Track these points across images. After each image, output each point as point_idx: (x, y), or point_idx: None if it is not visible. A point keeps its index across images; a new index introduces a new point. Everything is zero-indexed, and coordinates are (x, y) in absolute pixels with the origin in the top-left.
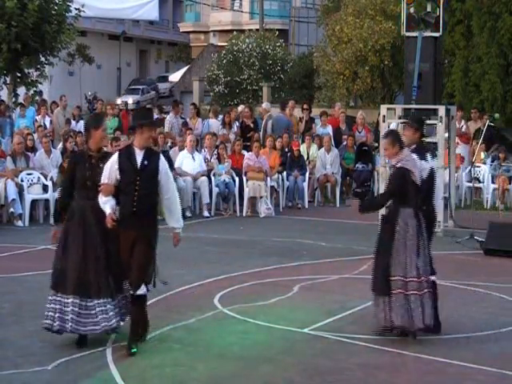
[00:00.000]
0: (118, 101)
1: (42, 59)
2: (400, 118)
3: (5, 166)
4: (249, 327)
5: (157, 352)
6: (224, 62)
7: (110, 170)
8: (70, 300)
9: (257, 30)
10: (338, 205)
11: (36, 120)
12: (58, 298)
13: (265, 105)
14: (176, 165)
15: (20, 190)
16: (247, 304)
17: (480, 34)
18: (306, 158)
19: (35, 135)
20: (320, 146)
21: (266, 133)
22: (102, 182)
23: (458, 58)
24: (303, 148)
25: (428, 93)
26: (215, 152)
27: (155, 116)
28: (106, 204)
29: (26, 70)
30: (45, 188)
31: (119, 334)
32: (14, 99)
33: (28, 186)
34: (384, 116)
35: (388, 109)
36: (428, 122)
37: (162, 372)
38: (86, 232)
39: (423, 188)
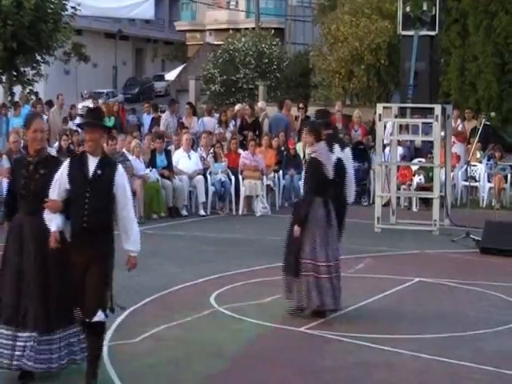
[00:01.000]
0: (79, 105)
1: (38, 58)
2: (396, 116)
3: (1, 164)
4: (245, 326)
5: (153, 351)
6: (220, 60)
7: (60, 180)
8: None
9: (253, 28)
10: None
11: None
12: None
13: (260, 104)
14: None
15: None
16: (243, 303)
17: (476, 33)
18: (302, 156)
19: None
20: None
21: (262, 131)
22: (49, 195)
23: (453, 57)
24: (299, 147)
25: (424, 92)
26: (211, 151)
27: (151, 115)
28: (52, 221)
29: (22, 69)
30: None
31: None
32: (9, 98)
33: None
34: (380, 115)
35: (384, 107)
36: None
37: (158, 371)
38: (22, 252)
39: (333, 179)
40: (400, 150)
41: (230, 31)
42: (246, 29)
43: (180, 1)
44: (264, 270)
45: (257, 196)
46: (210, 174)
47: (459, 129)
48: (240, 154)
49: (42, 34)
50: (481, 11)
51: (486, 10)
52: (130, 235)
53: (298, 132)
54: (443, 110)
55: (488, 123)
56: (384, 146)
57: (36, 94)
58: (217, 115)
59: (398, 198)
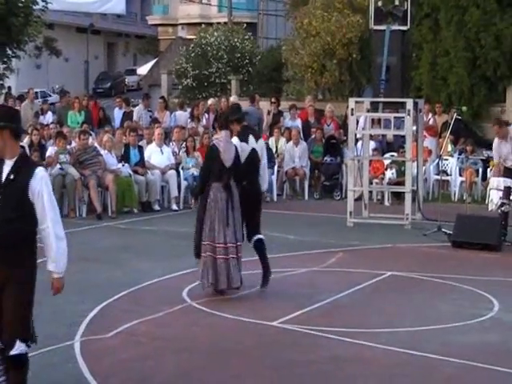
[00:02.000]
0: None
1: (9, 52)
2: (368, 110)
3: None
4: (217, 320)
5: (125, 346)
6: (192, 55)
7: None
8: None
9: (225, 23)
10: (306, 198)
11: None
12: None
13: (233, 98)
14: (145, 158)
15: None
16: (216, 297)
17: (447, 28)
18: (274, 151)
19: None
20: (289, 139)
21: None
22: None
23: (425, 52)
24: (271, 141)
25: (396, 86)
26: (183, 145)
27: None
28: None
29: None
30: None
31: None
32: None
33: None
34: (352, 109)
35: (356, 102)
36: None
37: (131, 366)
38: None
39: (242, 166)
40: (372, 144)
41: (203, 25)
42: (219, 23)
43: None
44: None
45: None
46: (182, 168)
47: (430, 123)
48: None
49: (12, 28)
50: (452, 6)
51: (457, 5)
52: (51, 253)
53: (270, 126)
54: (415, 105)
55: (459, 117)
56: (356, 141)
57: (9, 88)
58: (189, 109)
59: (371, 192)
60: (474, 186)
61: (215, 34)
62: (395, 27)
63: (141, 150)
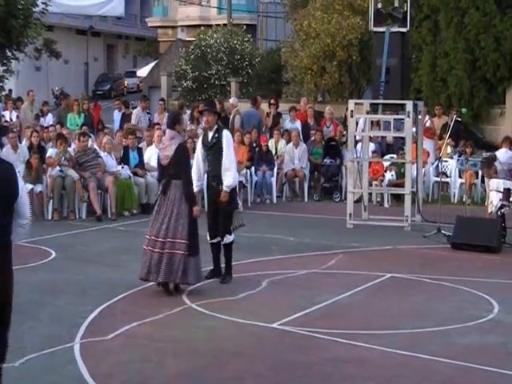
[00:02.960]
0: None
1: (9, 54)
2: (368, 112)
3: None
4: (217, 322)
5: (125, 348)
6: (192, 57)
7: None
8: None
9: (225, 25)
10: (306, 200)
11: (3, 115)
12: None
13: (232, 100)
14: (144, 160)
15: None
16: (215, 299)
17: (447, 30)
18: (274, 153)
19: None
20: (288, 141)
21: (234, 128)
22: None
23: (425, 53)
24: (271, 143)
25: (395, 88)
26: None
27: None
28: None
29: None
30: None
31: None
32: None
33: None
34: (352, 111)
35: (356, 104)
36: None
37: (131, 368)
38: None
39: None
40: (372, 146)
41: (202, 27)
42: (218, 25)
43: None
44: (236, 266)
45: None
46: None
47: (427, 125)
48: None
49: (12, 30)
50: (452, 8)
51: (456, 7)
52: None
53: (270, 128)
54: (414, 106)
55: (459, 119)
56: (356, 142)
57: (10, 91)
58: (188, 111)
59: (370, 194)
60: (474, 187)
61: (215, 35)
62: (395, 29)
63: (140, 152)
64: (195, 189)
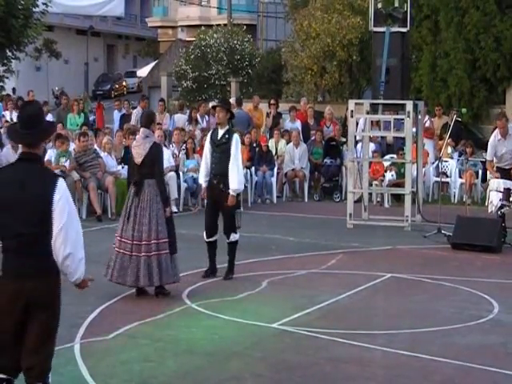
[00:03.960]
0: None
1: (9, 54)
2: (368, 112)
3: None
4: (217, 322)
5: (125, 348)
6: (192, 57)
7: None
8: None
9: (225, 25)
10: (306, 200)
11: (3, 115)
12: None
13: (232, 100)
14: None
15: None
16: (216, 299)
17: (447, 30)
18: (274, 153)
19: (1, 130)
20: (288, 141)
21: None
22: None
23: (425, 53)
24: (271, 143)
25: (395, 88)
26: (183, 147)
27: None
28: None
29: None
30: None
31: None
32: None
33: None
34: (352, 111)
35: (356, 104)
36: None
37: (131, 368)
38: None
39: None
40: (372, 146)
41: (202, 27)
42: (218, 25)
43: None
44: (236, 266)
45: None
46: (185, 170)
47: (426, 125)
48: None
49: (12, 30)
50: (452, 8)
51: (456, 7)
52: None
53: (270, 128)
54: (415, 106)
55: (459, 119)
56: (356, 142)
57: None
58: (188, 111)
59: (370, 194)
60: (474, 187)
61: (215, 35)
62: (395, 29)
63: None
64: (203, 184)
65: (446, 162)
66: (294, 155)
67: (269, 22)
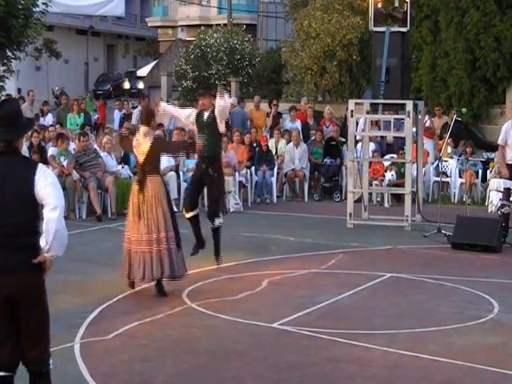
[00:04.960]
0: None
1: (9, 54)
2: (368, 112)
3: None
4: (217, 322)
5: (125, 347)
6: (192, 56)
7: None
8: None
9: (225, 24)
10: (306, 199)
11: None
12: None
13: (232, 99)
14: None
15: None
16: (216, 299)
17: (447, 30)
18: (274, 152)
19: None
20: (289, 141)
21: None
22: None
23: (425, 53)
24: (271, 143)
25: (395, 87)
26: None
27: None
28: None
29: None
30: None
31: None
32: None
33: None
34: (352, 111)
35: (356, 103)
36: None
37: (131, 367)
38: None
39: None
40: (372, 146)
41: (202, 27)
42: (218, 25)
43: None
44: (236, 266)
45: (229, 192)
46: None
47: (426, 125)
48: None
49: (12, 30)
50: (452, 8)
51: (456, 7)
52: None
53: (270, 128)
54: (415, 106)
55: (459, 119)
56: (356, 142)
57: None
58: None
59: (370, 193)
60: (474, 187)
61: (215, 35)
62: (395, 29)
63: None
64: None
65: (446, 161)
66: (294, 155)
67: (269, 21)
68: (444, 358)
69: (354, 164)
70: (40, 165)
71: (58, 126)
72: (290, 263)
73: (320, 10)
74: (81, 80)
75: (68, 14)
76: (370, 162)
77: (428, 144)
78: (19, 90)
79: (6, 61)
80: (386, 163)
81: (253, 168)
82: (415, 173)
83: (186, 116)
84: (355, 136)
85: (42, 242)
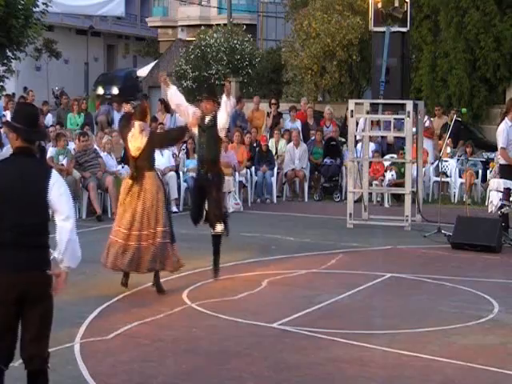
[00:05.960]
0: None
1: (9, 54)
2: (368, 112)
3: None
4: (217, 322)
5: (125, 348)
6: (192, 56)
7: None
8: None
9: (225, 24)
10: (306, 199)
11: (3, 115)
12: None
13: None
14: None
15: None
16: (216, 299)
17: (447, 29)
18: (274, 152)
19: (1, 130)
20: (289, 141)
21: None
22: None
23: (425, 53)
24: (272, 143)
25: (396, 87)
26: (183, 147)
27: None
28: None
29: None
30: None
31: None
32: None
33: None
34: (352, 111)
35: (356, 103)
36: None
37: (131, 367)
38: None
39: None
40: (372, 146)
41: (202, 27)
42: (218, 25)
43: None
44: (236, 266)
45: (229, 192)
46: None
47: (426, 125)
48: None
49: (12, 30)
50: (452, 8)
51: (457, 7)
52: None
53: (270, 128)
54: (415, 106)
55: (459, 119)
56: (356, 142)
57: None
58: None
59: (370, 193)
60: (474, 187)
61: (215, 35)
62: (395, 29)
63: None
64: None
65: (446, 161)
66: (294, 155)
67: (269, 21)
68: (444, 358)
69: (354, 164)
70: (53, 170)
71: (58, 126)
72: (290, 263)
73: (320, 10)
74: (81, 80)
75: (68, 14)
76: (370, 162)
77: (427, 144)
78: (25, 89)
79: (6, 61)
80: (386, 163)
81: (253, 168)
82: (415, 173)
83: (193, 112)
84: (355, 136)
85: (55, 253)
